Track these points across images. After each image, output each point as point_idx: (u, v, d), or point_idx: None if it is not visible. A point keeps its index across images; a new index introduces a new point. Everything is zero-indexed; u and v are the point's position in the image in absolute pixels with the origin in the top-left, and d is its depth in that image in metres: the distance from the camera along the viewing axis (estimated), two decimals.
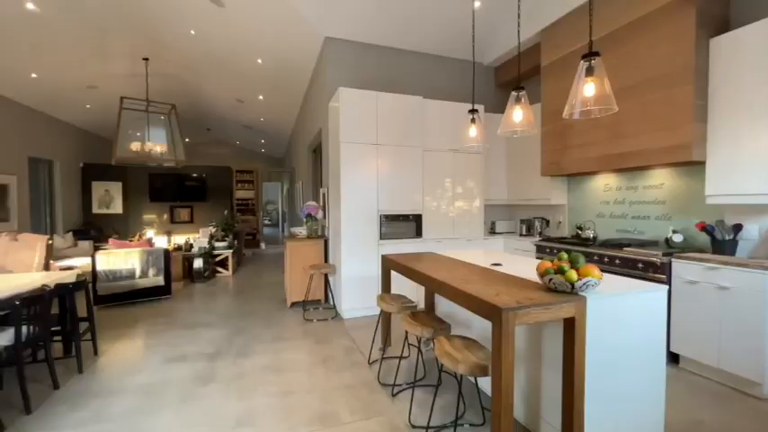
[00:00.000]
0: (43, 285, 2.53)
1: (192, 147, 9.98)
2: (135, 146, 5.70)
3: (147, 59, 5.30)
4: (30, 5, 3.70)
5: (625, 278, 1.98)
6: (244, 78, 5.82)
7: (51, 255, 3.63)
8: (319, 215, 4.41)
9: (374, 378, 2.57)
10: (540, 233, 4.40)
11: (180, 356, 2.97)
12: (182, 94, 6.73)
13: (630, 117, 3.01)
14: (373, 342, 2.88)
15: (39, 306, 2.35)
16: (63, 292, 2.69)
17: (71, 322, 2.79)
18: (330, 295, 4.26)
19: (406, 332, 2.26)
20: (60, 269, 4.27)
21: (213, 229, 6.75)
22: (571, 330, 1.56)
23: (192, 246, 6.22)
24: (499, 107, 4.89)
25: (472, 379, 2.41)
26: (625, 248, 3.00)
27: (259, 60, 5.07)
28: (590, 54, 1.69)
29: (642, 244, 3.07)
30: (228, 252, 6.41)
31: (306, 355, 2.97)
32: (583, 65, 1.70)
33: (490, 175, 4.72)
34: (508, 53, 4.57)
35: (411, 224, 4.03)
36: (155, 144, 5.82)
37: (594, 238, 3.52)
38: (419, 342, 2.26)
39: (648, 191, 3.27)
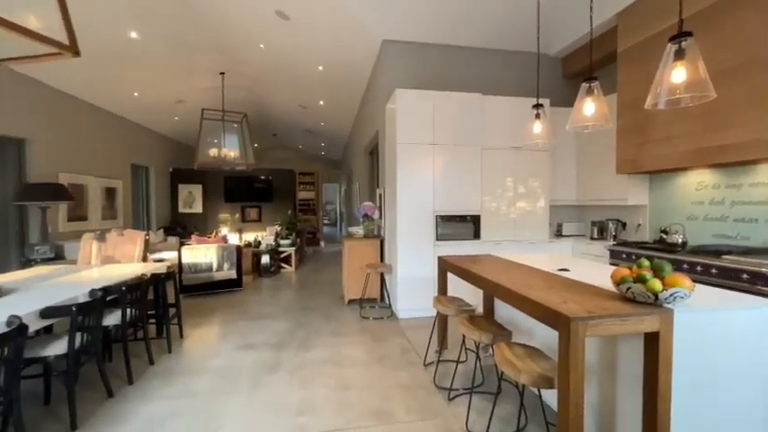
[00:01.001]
0: (142, 275, 2.93)
1: (260, 151, 10.81)
2: (213, 152, 6.34)
3: (223, 74, 5.86)
4: (133, 34, 4.31)
5: (723, 290, 1.72)
6: (306, 85, 6.15)
7: (148, 248, 4.19)
8: (376, 215, 4.50)
9: (430, 380, 2.55)
10: (615, 237, 3.99)
11: (249, 345, 3.23)
12: (252, 103, 7.32)
13: (732, 104, 2.59)
14: (429, 344, 2.86)
15: (139, 292, 2.73)
16: (156, 282, 3.09)
17: (162, 308, 3.19)
18: (386, 294, 4.32)
19: (464, 336, 2.21)
20: (154, 261, 4.91)
21: (278, 228, 7.24)
22: (654, 346, 1.40)
23: (260, 243, 6.74)
24: (567, 100, 4.54)
25: (535, 390, 2.27)
26: (724, 256, 2.59)
27: (320, 68, 5.32)
28: (680, 35, 1.49)
29: (747, 251, 2.62)
30: (292, 249, 6.83)
31: (362, 352, 3.04)
32: (671, 48, 1.51)
33: (557, 173, 4.40)
34: (577, 41, 4.22)
35: (468, 225, 3.92)
36: (229, 150, 6.43)
37: (684, 243, 3.10)
38: (477, 347, 2.19)
39: (756, 189, 2.79)
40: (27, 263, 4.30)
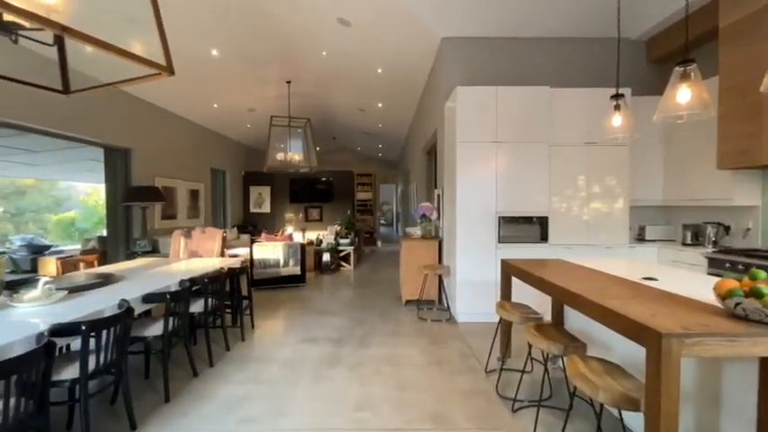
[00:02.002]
0: (221, 268, 3.23)
1: (322, 154, 11.31)
2: (280, 156, 6.80)
3: (289, 82, 6.24)
4: (214, 52, 4.79)
5: None
6: (365, 89, 6.30)
7: (225, 245, 4.63)
8: (434, 216, 4.44)
9: (491, 388, 2.44)
10: (716, 242, 3.45)
11: (312, 338, 3.39)
12: (314, 108, 7.70)
13: None
14: (491, 350, 2.74)
15: (218, 284, 3.02)
16: (232, 275, 3.40)
17: (237, 299, 3.50)
18: (444, 297, 4.24)
19: (530, 345, 2.08)
20: (230, 256, 5.41)
21: (338, 228, 7.52)
22: None
23: (321, 241, 7.07)
24: (651, 88, 4.04)
25: (614, 411, 2.05)
26: None
27: (379, 70, 5.40)
28: None
29: None
30: (350, 249, 7.04)
31: (420, 354, 3.02)
32: None
33: (637, 170, 3.94)
34: (665, 21, 3.74)
35: (534, 227, 3.69)
36: (294, 153, 6.83)
37: None
38: (546, 358, 2.04)
39: None
40: (131, 255, 5.01)
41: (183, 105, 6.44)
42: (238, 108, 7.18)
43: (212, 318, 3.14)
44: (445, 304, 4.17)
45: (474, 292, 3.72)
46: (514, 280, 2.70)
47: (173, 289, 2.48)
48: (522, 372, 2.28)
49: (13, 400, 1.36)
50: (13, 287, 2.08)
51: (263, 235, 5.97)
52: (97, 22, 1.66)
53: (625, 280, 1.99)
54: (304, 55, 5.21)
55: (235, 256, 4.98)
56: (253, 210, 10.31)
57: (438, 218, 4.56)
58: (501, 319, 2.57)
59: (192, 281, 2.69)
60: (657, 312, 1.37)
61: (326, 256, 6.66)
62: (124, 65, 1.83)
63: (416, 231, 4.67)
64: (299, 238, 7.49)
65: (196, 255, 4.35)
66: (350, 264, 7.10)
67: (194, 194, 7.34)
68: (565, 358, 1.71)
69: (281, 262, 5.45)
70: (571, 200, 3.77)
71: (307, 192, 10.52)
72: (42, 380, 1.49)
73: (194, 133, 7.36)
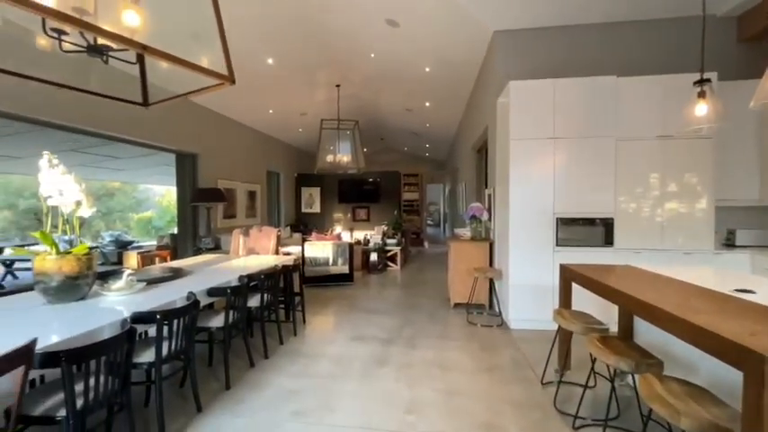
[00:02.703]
0: (275, 265, 3.40)
1: (369, 155, 11.48)
2: (329, 157, 7.00)
3: (338, 86, 6.40)
4: (270, 60, 5.06)
5: None
6: (413, 88, 6.26)
7: (279, 243, 4.87)
8: (484, 217, 4.28)
9: (549, 402, 2.28)
10: None
11: (360, 337, 3.43)
12: (362, 110, 7.82)
13: None
14: (548, 361, 2.56)
15: (273, 280, 3.18)
16: (286, 272, 3.55)
17: (290, 295, 3.65)
18: (495, 301, 4.07)
19: (594, 358, 1.90)
20: (284, 254, 5.68)
21: (385, 228, 7.56)
22: None
23: (368, 241, 7.16)
24: (741, 71, 3.53)
25: None
26: None
27: (427, 69, 5.34)
28: None
29: None
30: (397, 249, 7.04)
31: (470, 359, 2.92)
32: None
33: (725, 165, 3.45)
34: None
35: (598, 229, 3.39)
36: (343, 155, 7.00)
37: None
38: (613, 374, 1.86)
39: None
40: (197, 251, 5.47)
41: (242, 112, 6.91)
42: (291, 113, 7.52)
43: (267, 312, 3.30)
44: (497, 309, 3.99)
45: (528, 297, 3.51)
46: (575, 286, 2.50)
47: (233, 284, 2.65)
48: (585, 387, 2.10)
49: (102, 378, 1.53)
50: (103, 277, 2.36)
51: (314, 234, 6.20)
52: (170, 39, 1.82)
53: (713, 291, 1.74)
54: (353, 58, 5.31)
55: (288, 253, 5.22)
56: (304, 210, 10.75)
57: (489, 219, 4.38)
58: (559, 327, 2.39)
59: (250, 277, 2.85)
60: (758, 332, 1.17)
61: (374, 256, 6.73)
62: (193, 77, 1.99)
63: (465, 232, 4.54)
64: (347, 237, 7.66)
65: (253, 252, 4.62)
66: (396, 264, 7.10)
67: (252, 195, 7.83)
68: (636, 376, 1.53)
69: (331, 260, 5.60)
70: (641, 199, 3.40)
71: (354, 192, 10.72)
72: (125, 361, 1.67)
73: (252, 138, 7.85)
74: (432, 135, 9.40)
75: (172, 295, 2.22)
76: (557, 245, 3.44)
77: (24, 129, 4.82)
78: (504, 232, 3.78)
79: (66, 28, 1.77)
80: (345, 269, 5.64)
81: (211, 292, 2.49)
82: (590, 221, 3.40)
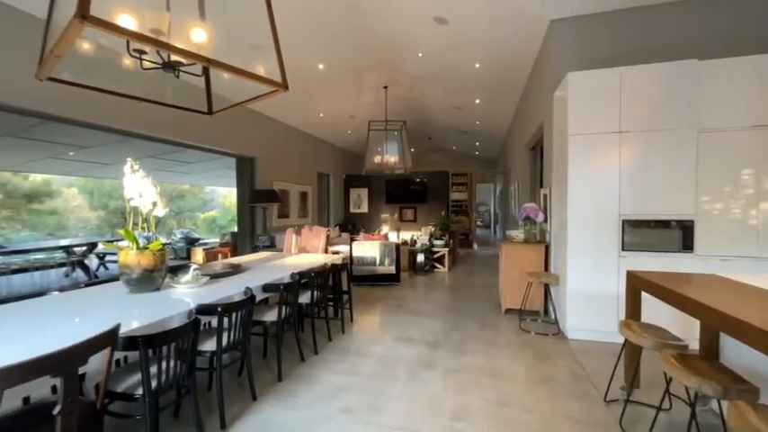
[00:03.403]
0: (325, 264, 3.51)
1: (416, 155, 11.41)
2: (377, 158, 7.08)
3: (386, 87, 6.45)
4: (320, 66, 5.25)
5: None
6: (461, 86, 6.10)
7: (329, 242, 5.03)
8: (539, 218, 4.03)
9: (613, 421, 2.07)
10: None
11: (407, 338, 3.41)
12: (410, 110, 7.80)
13: None
14: (612, 376, 2.33)
15: (322, 278, 3.28)
16: (334, 270, 3.65)
17: (338, 293, 3.75)
18: (551, 308, 3.81)
19: (669, 378, 1.69)
20: (333, 253, 5.85)
21: (432, 228, 7.46)
22: None
23: (415, 242, 7.11)
24: None
25: None
26: None
27: (477, 65, 5.17)
28: None
29: None
30: (445, 250, 6.91)
31: (523, 369, 2.76)
32: None
33: None
34: None
35: (673, 233, 3.02)
36: (390, 156, 7.05)
37: None
38: (694, 398, 1.63)
39: None
40: (254, 248, 5.84)
41: (295, 117, 7.25)
42: (340, 116, 7.73)
43: (317, 309, 3.43)
44: (552, 317, 3.74)
45: (589, 305, 3.24)
46: (645, 296, 2.25)
47: (285, 281, 2.77)
48: (658, 409, 1.87)
49: (172, 362, 1.69)
50: (174, 271, 2.60)
51: (362, 234, 6.30)
52: (231, 51, 1.96)
53: None
54: (400, 59, 5.32)
55: (337, 252, 5.38)
56: (352, 210, 11.00)
57: (545, 220, 4.12)
58: (626, 341, 2.17)
59: (301, 274, 2.97)
60: None
61: (420, 257, 6.67)
62: (251, 86, 2.13)
63: (518, 234, 4.31)
64: (393, 237, 7.68)
65: (304, 250, 4.82)
66: (444, 265, 6.97)
67: (303, 196, 8.18)
68: (724, 402, 1.33)
69: (378, 260, 5.66)
70: (730, 199, 2.97)
71: (401, 192, 10.74)
72: (191, 348, 1.82)
73: (304, 141, 8.21)
74: (482, 133, 9.10)
75: (231, 290, 2.38)
76: (622, 249, 3.13)
77: (113, 139, 5.51)
78: (561, 235, 3.53)
79: (146, 48, 1.98)
80: (392, 269, 5.66)
81: (266, 287, 2.63)
82: (664, 224, 3.04)
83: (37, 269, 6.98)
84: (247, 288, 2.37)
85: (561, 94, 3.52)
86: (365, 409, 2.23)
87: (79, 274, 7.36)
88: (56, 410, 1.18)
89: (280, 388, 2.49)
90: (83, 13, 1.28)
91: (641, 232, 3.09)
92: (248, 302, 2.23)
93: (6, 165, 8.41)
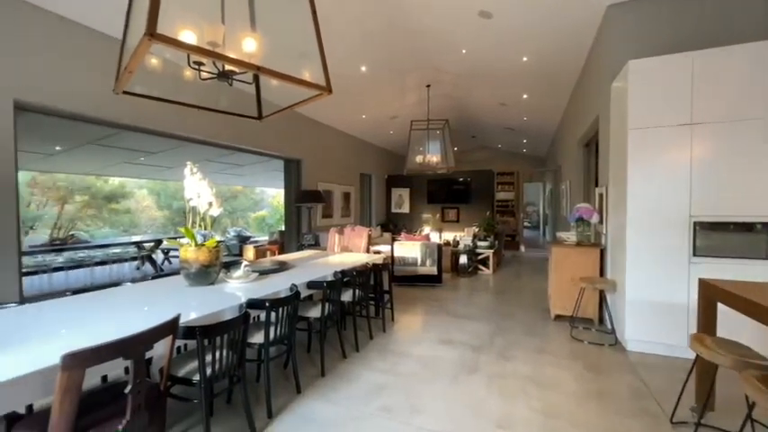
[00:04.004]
0: (366, 263, 3.55)
1: (459, 154, 11.18)
2: (419, 158, 7.03)
3: (429, 86, 6.39)
4: (363, 68, 5.32)
5: None
6: (507, 81, 5.86)
7: (370, 242, 5.09)
8: (594, 219, 3.75)
9: None
10: None
11: (448, 340, 3.35)
12: (453, 108, 7.65)
13: None
14: (681, 395, 2.10)
15: (364, 277, 3.32)
16: (376, 270, 3.68)
17: (380, 292, 3.77)
18: (607, 317, 3.53)
19: (751, 402, 1.49)
20: (374, 253, 5.91)
21: (476, 229, 7.25)
22: None
23: (458, 243, 6.96)
24: None
25: None
26: None
27: (524, 58, 4.93)
28: None
29: None
30: (489, 252, 6.69)
31: (574, 380, 2.59)
32: None
33: None
34: None
35: (758, 238, 2.65)
36: (432, 155, 6.96)
37: None
38: None
39: None
40: (300, 246, 6.08)
41: (338, 119, 7.43)
42: (382, 117, 7.79)
43: (359, 307, 3.48)
44: (609, 326, 3.46)
45: (651, 315, 2.95)
46: (722, 308, 2.00)
47: (328, 279, 2.85)
48: None
49: (225, 352, 1.81)
50: (227, 267, 2.78)
51: (403, 234, 6.30)
52: (278, 59, 2.05)
53: None
54: (443, 57, 5.23)
55: (378, 252, 5.42)
56: (394, 210, 11.04)
57: (600, 221, 3.83)
58: (698, 357, 1.94)
59: (344, 273, 3.03)
60: None
61: (463, 258, 6.51)
62: (297, 90, 2.21)
63: (570, 236, 4.05)
64: (435, 238, 7.59)
65: (347, 249, 4.92)
66: (488, 268, 6.74)
67: (346, 196, 8.36)
68: None
69: (419, 261, 5.61)
70: None
71: (444, 192, 10.56)
72: (242, 340, 1.93)
73: (347, 143, 8.38)
74: (529, 130, 8.68)
75: (278, 286, 2.50)
76: (693, 255, 2.81)
77: (174, 144, 6.03)
78: (619, 237, 3.26)
79: (204, 60, 2.14)
80: (434, 270, 5.59)
81: (310, 284, 2.72)
82: (746, 227, 2.68)
83: (114, 262, 7.85)
84: (293, 285, 2.47)
85: (620, 84, 3.24)
86: (405, 410, 2.22)
87: (148, 267, 8.15)
88: (127, 389, 1.31)
89: (322, 383, 2.56)
90: (151, 32, 1.41)
91: (717, 236, 2.75)
92: (294, 299, 2.32)
93: (90, 169, 9.56)
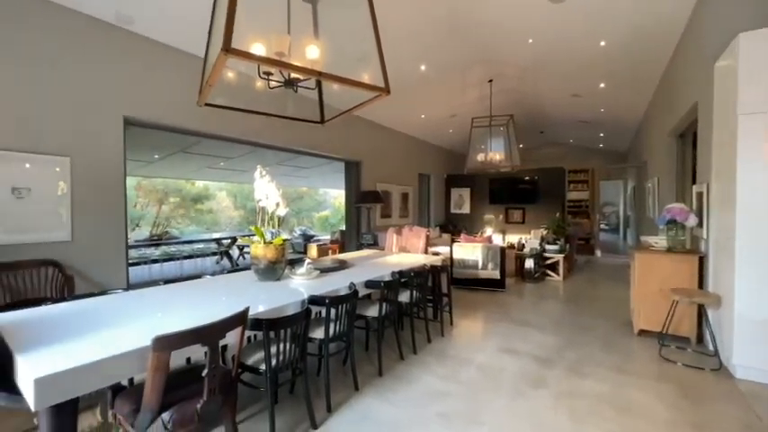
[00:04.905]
0: (424, 264, 3.49)
1: (525, 151, 10.50)
2: (480, 156, 6.76)
3: (491, 81, 6.10)
4: (422, 67, 5.27)
5: None
6: (582, 70, 5.35)
7: (428, 243, 5.01)
8: (690, 222, 3.23)
9: None
10: None
11: (511, 350, 3.15)
12: (518, 103, 7.22)
13: None
14: None
15: (421, 278, 3.27)
16: (434, 271, 3.61)
17: (438, 295, 3.69)
18: (708, 336, 3.02)
19: None
20: (432, 254, 5.82)
21: (544, 232, 6.75)
22: None
23: (523, 246, 6.54)
24: None
25: None
26: None
27: (602, 43, 4.45)
28: None
29: None
30: (559, 256, 6.17)
31: (664, 407, 2.25)
32: None
33: None
34: None
35: None
36: (495, 153, 6.64)
37: None
38: None
39: None
40: (359, 246, 6.22)
41: (397, 120, 7.46)
42: (442, 116, 7.64)
43: (416, 309, 3.44)
44: (711, 347, 2.96)
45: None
46: None
47: (386, 279, 2.86)
48: None
49: (288, 345, 1.90)
50: (292, 264, 2.94)
51: (463, 235, 6.10)
52: (338, 63, 2.11)
53: None
54: (507, 50, 4.95)
55: (436, 253, 5.32)
56: (453, 210, 10.77)
57: (699, 224, 3.29)
58: None
59: (401, 273, 3.02)
60: None
61: (529, 263, 6.09)
62: (357, 93, 2.26)
63: (659, 241, 3.55)
64: (498, 240, 7.22)
65: (405, 250, 4.91)
66: (558, 273, 6.22)
67: (404, 197, 8.37)
68: None
69: (480, 264, 5.39)
70: None
71: (507, 192, 10.00)
72: (303, 334, 2.01)
73: (405, 143, 8.39)
74: (607, 122, 7.84)
75: (338, 283, 2.57)
76: None
77: (248, 150, 6.58)
78: (725, 243, 2.76)
79: (272, 69, 2.28)
80: (496, 274, 5.31)
81: (368, 284, 2.75)
82: None
83: (198, 256, 8.84)
84: (351, 283, 2.52)
85: (727, 63, 2.75)
86: (464, 418, 2.12)
87: (225, 261, 9.02)
88: (204, 372, 1.44)
89: (380, 382, 2.57)
90: (226, 47, 1.54)
91: None
92: (352, 297, 2.36)
93: (180, 174, 10.91)
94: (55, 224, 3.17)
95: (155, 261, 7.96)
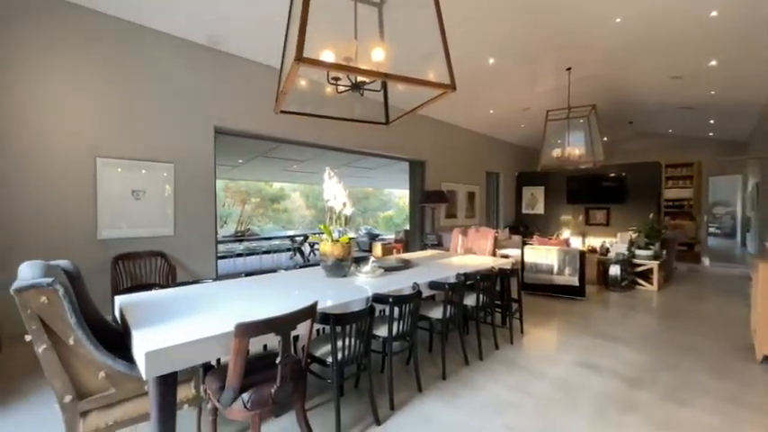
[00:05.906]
0: (492, 267, 3.33)
1: (610, 145, 9.40)
2: (556, 152, 6.21)
3: (569, 69, 5.58)
4: (491, 60, 5.02)
5: None
6: (685, 47, 4.61)
7: (496, 244, 4.77)
8: None
9: None
10: None
11: (593, 366, 2.83)
12: (602, 91, 6.49)
13: None
14: None
15: (489, 282, 3.12)
16: (502, 275, 3.41)
17: (507, 300, 3.49)
18: None
19: None
20: (501, 256, 5.52)
21: (633, 235, 5.97)
22: None
23: (608, 250, 5.87)
24: None
25: None
26: None
27: (713, 13, 3.78)
28: None
29: None
30: (653, 263, 5.40)
31: None
32: None
33: None
34: None
35: None
36: (573, 148, 6.05)
37: None
38: None
39: None
40: (423, 246, 6.18)
41: (463, 117, 7.24)
42: (512, 110, 7.22)
43: (483, 313, 3.30)
44: None
45: None
46: None
47: (450, 280, 2.78)
48: None
49: (353, 340, 1.96)
50: (357, 262, 3.03)
51: (536, 237, 5.68)
52: (403, 63, 2.11)
53: None
54: (588, 33, 4.48)
55: (506, 256, 5.04)
56: (525, 211, 10.11)
57: None
58: None
59: (467, 276, 2.91)
60: None
61: (615, 269, 5.43)
62: (421, 91, 2.23)
63: None
64: (577, 243, 6.58)
65: (470, 251, 4.73)
66: (651, 283, 5.45)
67: (471, 196, 8.09)
68: None
69: (555, 269, 4.96)
70: None
71: (588, 191, 9.05)
72: (368, 331, 2.06)
73: (472, 140, 8.10)
74: (718, 106, 6.65)
75: (401, 283, 2.57)
76: None
77: (319, 153, 6.95)
78: None
79: (340, 75, 2.38)
80: (574, 281, 4.85)
81: (432, 285, 2.70)
82: None
83: (274, 252, 9.62)
84: (415, 283, 2.50)
85: None
86: None
87: (298, 257, 9.68)
88: (277, 360, 1.55)
89: (444, 386, 2.51)
90: (298, 57, 1.64)
91: None
92: (415, 297, 2.35)
93: (260, 177, 12.00)
94: (162, 221, 3.72)
95: (239, 255, 8.88)
